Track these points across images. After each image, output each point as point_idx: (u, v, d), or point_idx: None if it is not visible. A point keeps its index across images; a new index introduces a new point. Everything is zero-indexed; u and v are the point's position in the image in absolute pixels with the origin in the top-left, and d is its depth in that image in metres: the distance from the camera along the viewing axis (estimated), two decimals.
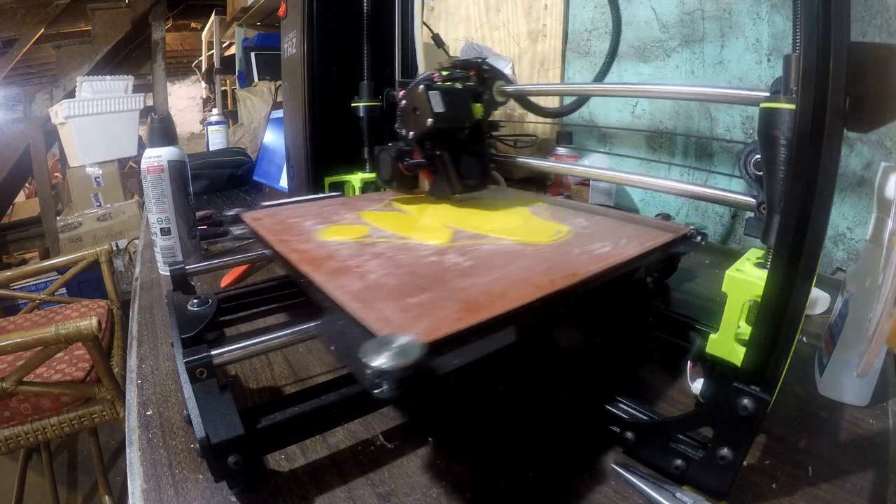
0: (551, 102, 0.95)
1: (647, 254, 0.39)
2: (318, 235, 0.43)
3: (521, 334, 0.29)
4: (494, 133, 0.60)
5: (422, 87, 0.48)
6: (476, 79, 0.55)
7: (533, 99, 0.62)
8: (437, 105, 0.47)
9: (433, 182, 0.53)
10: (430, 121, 0.47)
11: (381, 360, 0.21)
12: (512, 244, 0.40)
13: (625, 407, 0.34)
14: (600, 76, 0.61)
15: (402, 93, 0.52)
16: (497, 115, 0.58)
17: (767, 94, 0.31)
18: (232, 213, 0.52)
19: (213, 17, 3.04)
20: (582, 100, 0.65)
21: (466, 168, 0.53)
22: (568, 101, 0.68)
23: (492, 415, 0.38)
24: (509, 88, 0.55)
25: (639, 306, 0.47)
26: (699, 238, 0.45)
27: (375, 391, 0.21)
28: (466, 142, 0.53)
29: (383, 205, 0.55)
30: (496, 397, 0.39)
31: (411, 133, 0.51)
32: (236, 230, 0.50)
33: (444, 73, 0.54)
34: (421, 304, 0.28)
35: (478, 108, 0.54)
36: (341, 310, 0.28)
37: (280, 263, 0.40)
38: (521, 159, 0.59)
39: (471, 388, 0.39)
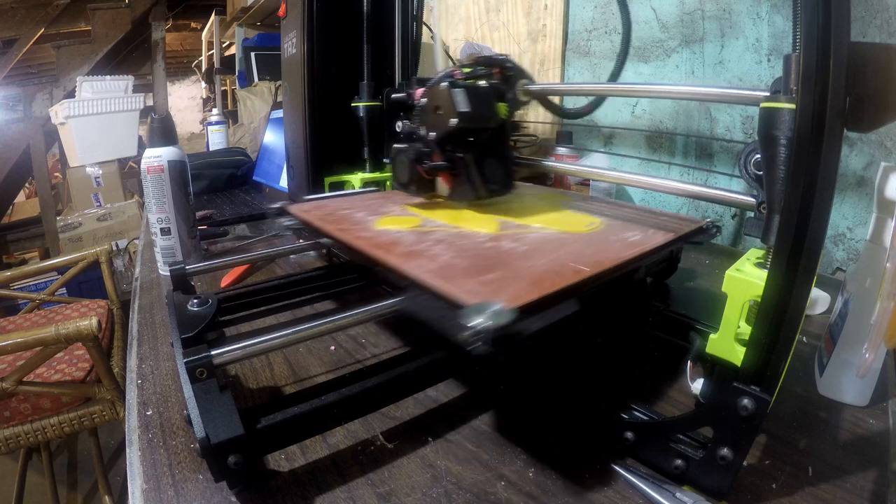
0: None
1: (674, 241, 0.42)
2: (375, 225, 0.45)
3: (582, 304, 0.33)
4: (515, 134, 0.59)
5: (445, 84, 0.45)
6: (500, 77, 0.51)
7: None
8: (462, 104, 0.44)
9: (454, 186, 0.51)
10: (454, 120, 0.44)
11: (481, 321, 0.25)
12: (555, 233, 0.43)
13: (625, 407, 0.34)
14: (613, 76, 0.61)
15: (420, 91, 0.50)
16: None
17: (767, 94, 0.31)
18: (276, 205, 0.52)
19: (213, 17, 3.04)
20: (599, 100, 0.63)
21: (491, 171, 0.50)
22: (569, 100, 0.68)
23: (491, 414, 0.38)
24: (534, 87, 0.52)
25: (657, 293, 0.51)
26: (714, 230, 0.47)
27: (473, 348, 0.25)
28: (489, 143, 0.50)
29: (425, 198, 0.56)
30: (494, 398, 0.40)
31: (432, 134, 0.47)
32: (285, 221, 0.51)
33: (467, 70, 0.50)
34: (495, 281, 0.31)
35: (502, 108, 0.50)
36: (425, 287, 0.31)
37: (343, 250, 0.44)
38: (525, 159, 0.59)
39: (468, 390, 0.40)
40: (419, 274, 0.32)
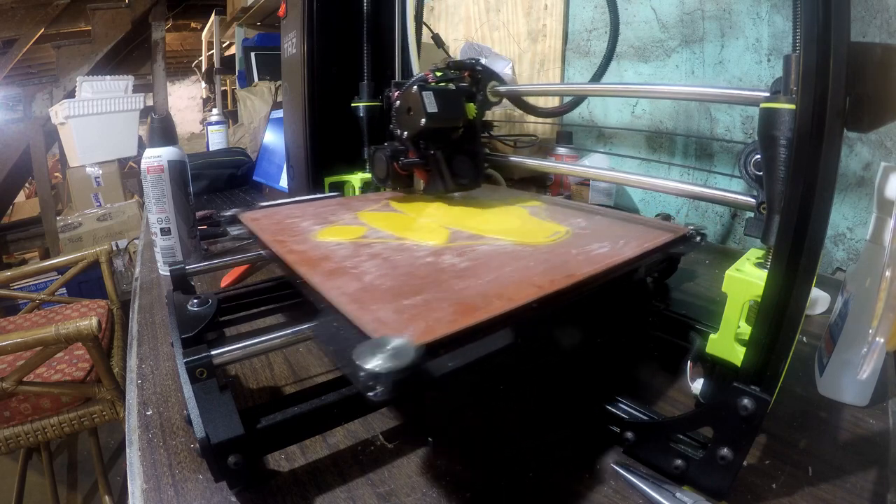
0: (553, 103, 0.95)
1: (646, 254, 0.39)
2: (315, 236, 0.43)
3: (517, 335, 0.29)
4: (491, 133, 0.61)
5: (415, 87, 0.49)
6: (469, 79, 0.56)
7: (532, 99, 0.62)
8: (431, 105, 0.48)
9: (427, 181, 0.55)
10: (423, 121, 0.48)
11: (374, 363, 0.21)
12: (509, 245, 0.39)
13: (625, 407, 0.34)
14: (597, 77, 0.62)
15: (396, 93, 0.53)
16: (497, 115, 0.59)
17: (767, 94, 0.31)
18: (230, 213, 0.51)
19: (213, 17, 3.04)
20: (578, 100, 0.65)
21: (460, 167, 0.54)
22: (566, 100, 0.68)
23: (491, 414, 0.38)
24: (502, 88, 0.56)
25: (638, 306, 0.47)
26: (698, 238, 0.45)
27: (369, 394, 0.21)
28: (460, 141, 0.54)
29: (381, 205, 0.55)
30: (494, 398, 0.40)
31: (405, 133, 0.52)
32: (234, 230, 0.50)
33: (438, 73, 0.55)
34: (416, 306, 0.28)
35: (471, 108, 0.55)
36: (336, 311, 0.28)
37: (277, 264, 0.39)
38: (521, 159, 0.59)
39: (468, 390, 0.39)
40: (335, 296, 0.29)
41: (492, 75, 0.56)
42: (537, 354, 0.39)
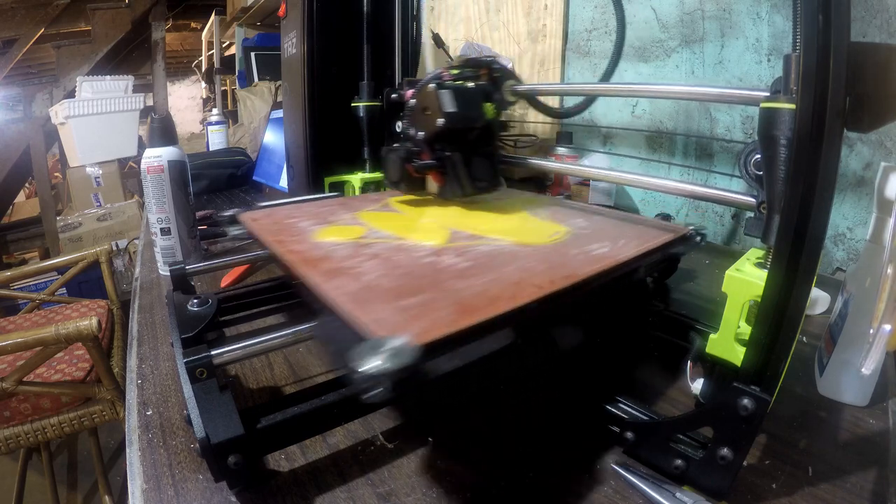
0: (551, 103, 0.95)
1: (646, 254, 0.38)
2: (315, 236, 0.42)
3: (517, 336, 0.29)
4: (503, 133, 0.59)
5: (432, 85, 0.47)
6: (487, 78, 0.53)
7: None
8: (449, 104, 0.46)
9: (443, 184, 0.52)
10: (441, 121, 0.46)
11: (373, 364, 0.21)
12: (510, 245, 0.39)
13: (625, 407, 0.34)
14: (606, 76, 0.61)
15: (410, 92, 0.51)
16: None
17: (767, 94, 0.31)
18: (229, 213, 0.51)
19: (213, 17, 3.04)
20: (590, 100, 0.64)
21: (478, 169, 0.51)
22: (567, 101, 0.68)
23: (491, 414, 0.38)
24: (521, 88, 0.54)
25: (638, 306, 0.47)
26: (698, 238, 0.45)
27: (369, 395, 0.21)
28: (477, 142, 0.52)
29: (380, 205, 0.54)
30: (494, 398, 0.40)
31: (421, 133, 0.49)
32: (234, 231, 0.50)
33: (454, 71, 0.52)
34: (416, 306, 0.28)
35: (489, 108, 0.52)
36: (335, 311, 0.28)
37: (277, 264, 0.39)
38: (524, 159, 0.59)
39: (468, 390, 0.39)
40: (334, 296, 0.29)
41: (509, 74, 0.54)
42: (537, 355, 0.39)
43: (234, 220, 0.50)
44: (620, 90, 0.57)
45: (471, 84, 0.51)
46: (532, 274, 0.33)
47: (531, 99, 0.58)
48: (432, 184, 0.54)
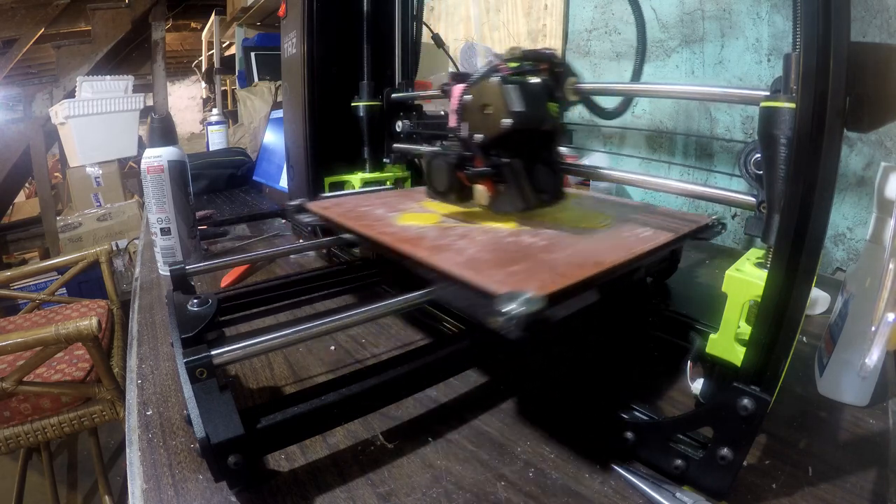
0: None
1: (683, 237, 0.44)
2: (397, 221, 0.46)
3: (604, 293, 0.34)
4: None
5: (496, 79, 0.40)
6: (548, 73, 0.45)
7: None
8: (517, 103, 0.39)
9: (498, 195, 0.44)
10: (507, 121, 0.39)
11: (514, 308, 0.27)
12: (570, 229, 0.44)
13: (625, 407, 0.34)
14: (635, 76, 0.60)
15: (460, 87, 0.44)
16: None
17: (767, 94, 0.31)
18: (296, 202, 0.53)
19: (213, 17, 3.04)
20: (629, 99, 0.63)
21: (540, 179, 0.44)
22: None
23: (491, 414, 0.38)
24: (585, 86, 0.46)
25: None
26: (719, 227, 0.48)
27: (506, 332, 0.27)
28: (539, 148, 0.44)
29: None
30: (494, 398, 0.40)
31: (478, 136, 0.42)
32: (304, 218, 0.51)
33: (513, 64, 0.44)
34: (521, 272, 0.33)
35: (553, 108, 0.44)
36: (453, 278, 0.33)
37: (367, 245, 0.46)
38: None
39: (468, 390, 0.40)
40: (449, 266, 0.34)
41: (570, 71, 0.46)
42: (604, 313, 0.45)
43: (301, 209, 0.52)
44: (621, 90, 0.56)
45: (535, 79, 0.44)
46: (601, 249, 0.38)
47: (587, 98, 0.50)
48: (481, 194, 0.45)
